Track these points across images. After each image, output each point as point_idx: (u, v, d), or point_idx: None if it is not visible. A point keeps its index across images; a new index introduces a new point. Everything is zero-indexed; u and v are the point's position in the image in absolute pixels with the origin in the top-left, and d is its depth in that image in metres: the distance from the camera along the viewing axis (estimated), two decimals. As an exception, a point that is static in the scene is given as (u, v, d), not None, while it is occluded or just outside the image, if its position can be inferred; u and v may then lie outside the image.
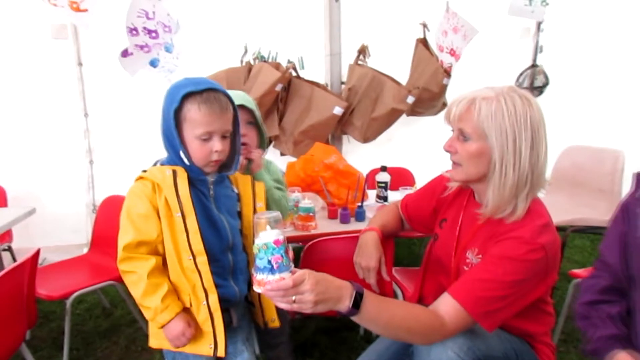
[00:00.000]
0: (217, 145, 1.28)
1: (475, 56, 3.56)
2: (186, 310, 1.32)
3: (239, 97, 1.49)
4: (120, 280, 2.32)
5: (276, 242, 1.01)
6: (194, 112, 1.26)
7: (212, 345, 1.32)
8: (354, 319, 1.11)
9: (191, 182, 1.32)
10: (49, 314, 2.72)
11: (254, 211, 1.42)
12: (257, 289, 1.04)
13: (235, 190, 1.45)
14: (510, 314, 1.21)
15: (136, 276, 1.28)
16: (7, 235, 2.90)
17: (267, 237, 1.02)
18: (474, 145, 1.22)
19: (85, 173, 3.51)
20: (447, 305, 1.18)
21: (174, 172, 1.30)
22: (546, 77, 3.97)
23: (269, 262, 1.01)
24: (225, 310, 1.37)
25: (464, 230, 1.38)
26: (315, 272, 1.06)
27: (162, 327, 1.29)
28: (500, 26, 3.73)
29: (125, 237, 1.30)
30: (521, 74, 3.99)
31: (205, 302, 1.31)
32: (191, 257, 1.28)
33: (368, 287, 1.47)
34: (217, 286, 1.33)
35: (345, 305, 1.08)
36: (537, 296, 1.23)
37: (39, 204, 2.63)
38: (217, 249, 1.34)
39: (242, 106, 1.49)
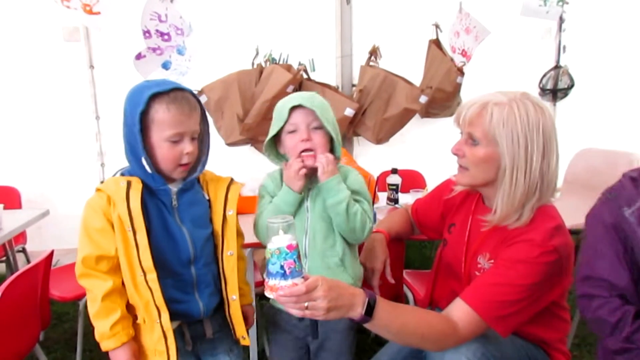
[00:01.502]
0: (188, 147, 1.22)
1: (496, 58, 3.53)
2: (135, 340, 1.27)
3: (300, 97, 1.37)
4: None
5: (289, 247, 1.00)
6: (162, 113, 1.19)
7: None
8: (367, 325, 1.11)
9: (152, 193, 1.26)
10: (62, 315, 2.74)
11: (224, 219, 1.31)
12: (268, 294, 1.03)
13: (207, 196, 1.35)
14: (524, 318, 1.19)
15: (91, 295, 1.24)
16: (21, 236, 2.94)
17: (280, 242, 1.00)
18: (483, 150, 1.21)
19: (96, 176, 3.54)
20: (460, 311, 1.17)
21: (129, 183, 1.22)
22: (571, 78, 3.86)
23: (282, 267, 0.99)
24: (189, 325, 1.35)
25: (473, 235, 1.36)
26: (328, 278, 1.05)
27: (107, 351, 1.25)
28: (521, 26, 3.68)
29: (83, 250, 1.23)
30: (544, 76, 3.89)
31: (158, 321, 1.25)
32: (142, 274, 1.21)
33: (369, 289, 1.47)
34: (177, 302, 1.28)
35: (357, 312, 1.07)
36: (552, 300, 1.22)
37: (51, 206, 2.66)
38: (176, 263, 1.27)
39: (300, 106, 1.36)
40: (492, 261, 1.27)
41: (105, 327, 1.23)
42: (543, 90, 3.89)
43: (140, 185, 1.23)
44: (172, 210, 1.28)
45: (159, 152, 1.22)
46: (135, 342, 1.28)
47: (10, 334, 1.58)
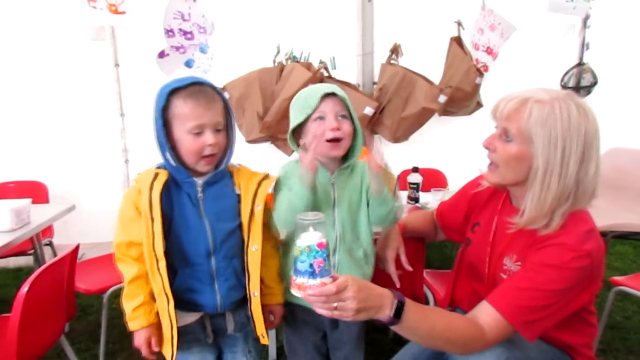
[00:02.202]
0: (210, 139, 1.25)
1: (516, 55, 3.47)
2: (156, 327, 1.32)
3: (327, 86, 1.39)
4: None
5: (320, 245, 0.98)
6: (180, 107, 1.24)
7: (171, 354, 1.31)
8: (394, 328, 1.09)
9: (178, 185, 1.30)
10: (86, 307, 2.80)
11: (251, 213, 1.33)
12: (296, 292, 1.01)
13: (237, 191, 1.37)
14: (552, 323, 1.16)
15: (123, 278, 1.33)
16: (48, 230, 3.01)
17: (310, 240, 0.98)
18: (516, 147, 1.16)
19: (120, 172, 3.61)
20: (486, 315, 1.15)
21: (156, 174, 1.28)
22: (594, 76, 3.76)
23: (311, 265, 0.98)
24: (211, 319, 1.38)
25: (499, 236, 1.32)
26: (357, 279, 1.04)
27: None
28: (543, 23, 3.61)
29: (116, 237, 1.33)
30: (566, 73, 3.80)
31: (167, 309, 1.28)
32: (156, 261, 1.26)
33: (387, 278, 1.46)
34: (193, 291, 1.31)
35: (386, 314, 1.06)
36: (580, 305, 1.18)
37: (77, 201, 2.71)
38: (193, 253, 1.30)
39: (333, 94, 1.37)
40: (519, 263, 1.23)
41: (129, 309, 1.30)
42: (565, 88, 3.81)
43: (165, 177, 1.28)
44: (196, 202, 1.31)
45: (182, 146, 1.26)
46: (157, 329, 1.32)
47: (38, 325, 1.62)
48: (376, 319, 1.07)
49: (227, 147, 1.34)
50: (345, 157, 1.44)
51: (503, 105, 1.18)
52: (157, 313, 1.31)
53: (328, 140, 1.35)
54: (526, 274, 1.16)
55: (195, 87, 1.25)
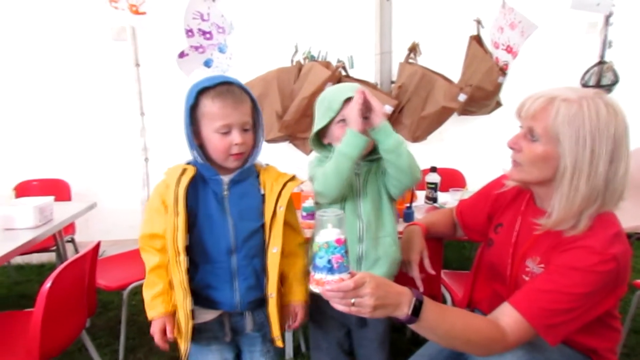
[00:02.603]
0: (237, 138, 1.27)
1: (536, 53, 3.42)
2: (173, 316, 1.32)
3: (349, 88, 1.41)
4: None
5: (338, 241, 0.99)
6: (209, 107, 1.26)
7: (185, 347, 1.32)
8: (412, 326, 1.09)
9: (205, 182, 1.32)
10: (107, 303, 2.85)
11: (273, 214, 1.34)
12: (314, 288, 1.02)
13: (262, 191, 1.38)
14: (575, 327, 1.13)
15: (145, 266, 1.35)
16: (70, 227, 3.07)
17: (328, 236, 0.99)
18: (541, 147, 1.14)
19: (140, 170, 3.65)
20: (508, 317, 1.13)
21: (184, 170, 1.31)
22: (615, 75, 3.67)
23: (329, 261, 0.99)
24: (230, 317, 1.39)
25: (522, 237, 1.30)
26: (375, 276, 1.04)
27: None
28: (564, 21, 3.55)
29: (142, 228, 1.38)
30: (587, 72, 3.72)
31: (183, 303, 1.29)
32: (176, 255, 1.28)
33: (410, 281, 1.46)
34: (213, 288, 1.32)
35: (404, 312, 1.05)
36: (605, 310, 1.16)
37: (98, 199, 2.76)
38: (215, 250, 1.31)
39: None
40: (542, 266, 1.21)
41: (147, 297, 1.32)
42: (585, 87, 3.74)
43: (192, 173, 1.30)
44: (221, 200, 1.32)
45: (210, 144, 1.29)
46: (173, 317, 1.33)
47: (60, 320, 1.65)
48: (394, 317, 1.07)
49: (254, 145, 1.36)
50: (370, 153, 1.47)
51: (529, 104, 1.15)
52: (175, 303, 1.32)
53: None
54: (550, 276, 1.14)
55: (223, 87, 1.27)
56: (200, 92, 1.27)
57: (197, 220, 1.30)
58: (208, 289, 1.33)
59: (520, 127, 1.21)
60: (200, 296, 1.33)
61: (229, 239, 1.31)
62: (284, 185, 1.36)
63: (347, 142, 1.34)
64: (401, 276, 1.50)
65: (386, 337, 1.55)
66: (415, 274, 1.47)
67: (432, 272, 1.50)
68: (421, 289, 1.44)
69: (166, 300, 1.31)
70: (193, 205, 1.30)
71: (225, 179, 1.33)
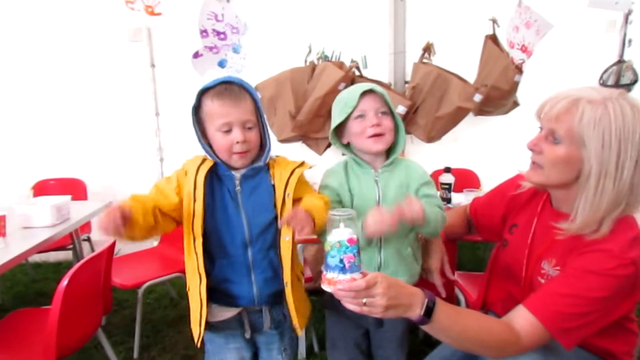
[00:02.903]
0: (238, 136, 1.28)
1: (554, 52, 3.37)
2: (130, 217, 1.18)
3: (366, 84, 1.42)
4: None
5: (350, 240, 0.99)
6: (209, 106, 1.29)
7: (199, 333, 1.32)
8: (425, 327, 1.08)
9: (219, 179, 1.35)
10: (122, 302, 2.88)
11: (283, 202, 1.33)
12: (326, 287, 1.02)
13: (272, 182, 1.38)
14: (591, 331, 1.12)
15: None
16: (86, 226, 3.11)
17: (340, 235, 0.99)
18: (564, 150, 1.11)
19: (155, 170, 3.69)
20: (523, 320, 1.12)
21: (203, 160, 1.35)
22: (635, 74, 3.60)
23: (341, 260, 0.99)
24: (249, 314, 1.39)
25: (537, 238, 1.28)
26: (387, 276, 1.04)
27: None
28: (582, 20, 3.50)
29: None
30: (605, 71, 3.67)
31: (198, 288, 1.30)
32: (193, 239, 1.30)
33: (431, 287, 1.45)
34: (230, 282, 1.34)
35: (416, 313, 1.05)
36: (622, 314, 1.14)
37: (113, 199, 2.79)
38: (231, 245, 1.33)
39: (372, 91, 1.39)
40: (558, 268, 1.19)
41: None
42: (604, 86, 3.68)
43: (210, 164, 1.33)
44: (234, 195, 1.34)
45: (214, 143, 1.32)
46: (130, 219, 1.18)
47: (76, 317, 1.67)
48: (407, 318, 1.06)
49: (263, 145, 1.37)
50: (388, 153, 1.45)
51: (551, 106, 1.13)
52: (144, 216, 1.23)
53: (369, 137, 1.36)
54: (567, 279, 1.12)
55: (222, 86, 1.30)
56: (202, 93, 1.30)
57: (212, 215, 1.32)
58: (226, 283, 1.34)
59: (540, 128, 1.19)
60: (218, 291, 1.34)
61: (243, 233, 1.32)
62: (292, 172, 1.36)
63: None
64: (420, 281, 1.49)
65: (405, 338, 1.54)
66: (437, 281, 1.46)
67: (453, 277, 1.50)
68: (443, 295, 1.43)
69: (140, 204, 1.24)
70: (209, 201, 1.32)
71: (237, 174, 1.35)
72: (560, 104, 1.11)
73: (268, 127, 1.38)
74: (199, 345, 1.34)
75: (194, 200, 1.29)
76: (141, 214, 1.21)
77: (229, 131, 1.29)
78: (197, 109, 1.33)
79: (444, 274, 1.50)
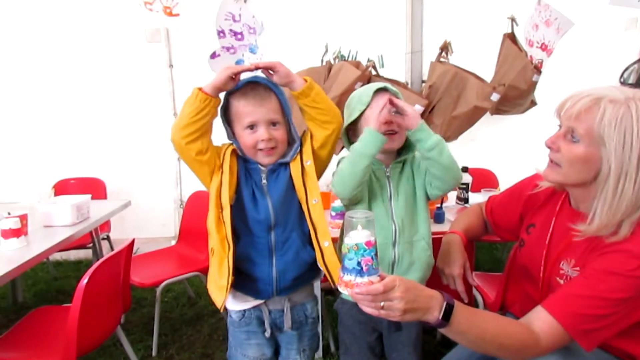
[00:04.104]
0: (262, 134, 1.32)
1: (573, 51, 3.32)
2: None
3: (379, 83, 1.43)
4: (204, 271, 2.45)
5: (368, 243, 0.98)
6: (236, 106, 1.34)
7: (222, 302, 1.33)
8: (443, 331, 1.07)
9: (248, 173, 1.38)
10: (140, 300, 2.91)
11: (302, 170, 1.37)
12: (343, 290, 1.01)
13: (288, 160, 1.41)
14: (611, 333, 1.10)
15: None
16: (106, 225, 3.16)
17: (358, 238, 0.98)
18: (583, 149, 1.09)
19: (173, 170, 3.73)
20: (542, 322, 1.10)
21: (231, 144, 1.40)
22: None
23: (359, 263, 0.98)
24: (270, 313, 1.42)
25: (556, 239, 1.26)
26: (405, 279, 1.03)
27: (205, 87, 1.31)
28: (601, 17, 3.44)
29: None
30: (626, 69, 3.60)
31: (226, 256, 1.32)
32: (221, 209, 1.33)
33: (451, 292, 1.43)
34: (252, 262, 1.36)
35: (434, 316, 1.03)
36: None
37: (132, 198, 2.83)
38: (255, 223, 1.35)
39: (385, 89, 1.41)
40: (577, 268, 1.17)
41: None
42: (624, 85, 3.61)
43: (234, 148, 1.38)
44: (260, 187, 1.37)
45: (241, 141, 1.36)
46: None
47: (96, 315, 1.70)
48: (424, 321, 1.05)
49: (290, 142, 1.40)
50: (399, 152, 1.46)
51: (571, 104, 1.11)
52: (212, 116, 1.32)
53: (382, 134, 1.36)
54: (586, 280, 1.10)
55: (247, 86, 1.33)
56: (230, 94, 1.35)
57: (240, 193, 1.36)
58: (247, 263, 1.36)
59: (559, 126, 1.17)
60: (240, 272, 1.35)
61: (269, 217, 1.35)
62: (301, 141, 1.40)
63: (365, 140, 1.34)
64: (435, 282, 1.47)
65: (419, 341, 1.53)
66: (460, 287, 1.43)
67: (475, 283, 1.47)
68: (466, 301, 1.41)
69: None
70: (238, 179, 1.37)
71: (264, 168, 1.38)
72: (581, 102, 1.09)
73: (293, 126, 1.41)
74: (222, 309, 1.36)
75: (222, 172, 1.34)
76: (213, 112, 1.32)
77: (254, 130, 1.33)
78: (225, 110, 1.37)
79: (466, 280, 1.48)
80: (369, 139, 1.33)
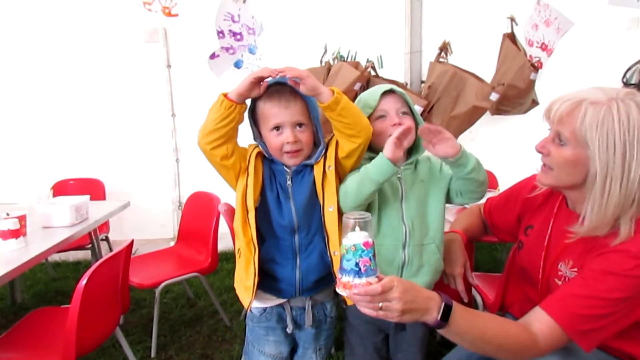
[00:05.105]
0: (288, 136, 1.33)
1: (575, 51, 3.33)
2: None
3: (386, 85, 1.43)
4: (203, 272, 2.45)
5: (366, 244, 0.98)
6: (262, 108, 1.36)
7: (249, 302, 1.35)
8: (441, 332, 1.07)
9: (272, 174, 1.39)
10: (139, 301, 2.91)
11: (323, 174, 1.37)
12: (341, 291, 1.02)
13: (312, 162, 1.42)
14: (610, 333, 1.10)
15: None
16: (105, 226, 3.15)
17: (356, 239, 0.99)
18: (570, 151, 1.10)
19: (172, 171, 3.72)
20: (540, 322, 1.10)
21: (257, 146, 1.42)
22: None
23: (357, 264, 0.98)
24: (292, 310, 1.43)
25: (554, 240, 1.27)
26: (403, 280, 1.03)
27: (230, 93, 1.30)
28: (603, 17, 3.44)
29: None
30: (628, 69, 3.60)
31: (253, 258, 1.33)
32: (246, 212, 1.35)
33: (451, 292, 1.43)
34: (276, 263, 1.37)
35: (432, 317, 1.04)
36: None
37: (130, 199, 2.82)
38: (280, 230, 1.37)
39: (392, 92, 1.40)
40: (575, 269, 1.18)
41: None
42: (627, 85, 3.61)
43: (259, 150, 1.41)
44: (285, 189, 1.38)
45: (268, 143, 1.38)
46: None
47: (95, 316, 1.69)
48: (423, 322, 1.05)
49: (317, 142, 1.40)
50: (409, 152, 1.45)
51: (556, 108, 1.12)
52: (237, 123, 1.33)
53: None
54: (584, 281, 1.11)
55: (273, 88, 1.34)
56: (257, 97, 1.35)
57: (265, 196, 1.37)
58: (271, 263, 1.38)
59: (549, 130, 1.17)
60: (264, 273, 1.37)
61: (292, 220, 1.36)
62: (327, 145, 1.39)
63: (377, 167, 1.30)
64: (440, 285, 1.48)
65: (425, 341, 1.54)
66: (460, 287, 1.44)
67: (475, 282, 1.49)
68: (466, 300, 1.41)
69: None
70: (264, 182, 1.38)
71: (289, 170, 1.40)
72: (563, 106, 1.10)
73: (320, 128, 1.41)
74: (248, 310, 1.40)
75: (247, 175, 1.36)
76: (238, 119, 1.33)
77: (280, 131, 1.34)
78: (253, 111, 1.38)
79: (466, 279, 1.48)
80: (382, 167, 1.28)
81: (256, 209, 1.35)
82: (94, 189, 3.24)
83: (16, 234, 1.90)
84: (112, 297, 1.85)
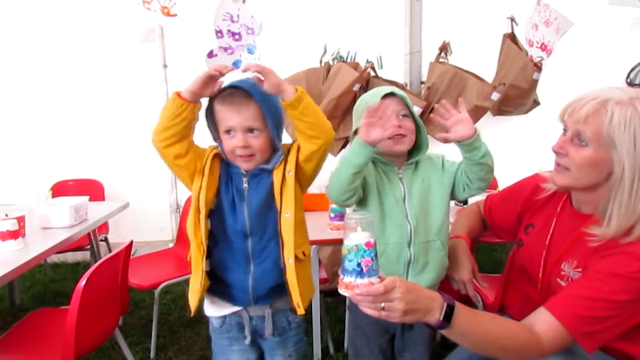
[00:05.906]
0: (239, 141, 1.29)
1: (577, 51, 3.32)
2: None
3: (386, 87, 1.43)
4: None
5: (367, 244, 0.98)
6: (217, 111, 1.33)
7: (195, 305, 1.34)
8: (444, 332, 1.06)
9: (229, 176, 1.36)
10: (139, 302, 2.90)
11: (283, 179, 1.34)
12: (343, 292, 1.01)
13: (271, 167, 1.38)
14: (614, 335, 1.09)
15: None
16: (104, 227, 3.15)
17: (358, 239, 0.98)
18: (591, 152, 1.09)
19: (169, 172, 3.71)
20: (544, 323, 1.09)
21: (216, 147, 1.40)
22: None
23: (359, 264, 0.98)
24: (250, 320, 1.40)
25: (556, 240, 1.26)
26: (405, 280, 1.02)
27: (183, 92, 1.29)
28: (605, 17, 3.43)
29: None
30: (632, 70, 3.60)
31: (201, 260, 1.31)
32: (198, 212, 1.31)
33: (454, 293, 1.42)
34: (228, 268, 1.35)
35: (435, 317, 1.03)
36: None
37: (130, 200, 2.82)
38: (232, 230, 1.34)
39: (392, 94, 1.41)
40: (579, 270, 1.17)
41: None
42: (631, 85, 3.61)
43: (218, 152, 1.37)
44: (241, 191, 1.35)
45: (222, 145, 1.35)
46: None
47: (94, 317, 1.69)
48: (425, 322, 1.05)
49: (274, 149, 1.36)
50: (410, 153, 1.47)
51: (578, 107, 1.11)
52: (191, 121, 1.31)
53: (390, 137, 1.37)
54: (589, 282, 1.10)
55: (227, 91, 1.31)
56: (214, 97, 1.33)
57: (219, 197, 1.35)
58: (223, 269, 1.35)
59: (564, 130, 1.16)
60: (215, 278, 1.35)
61: (244, 224, 1.33)
62: (289, 150, 1.36)
63: (353, 150, 1.33)
64: (446, 287, 1.47)
65: (431, 341, 1.54)
66: (472, 292, 1.44)
67: (485, 285, 1.48)
68: (479, 305, 1.41)
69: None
70: (218, 183, 1.35)
71: (246, 172, 1.36)
72: (588, 106, 1.09)
73: (280, 131, 1.37)
74: (193, 314, 1.37)
75: (203, 175, 1.33)
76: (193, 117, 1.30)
77: (232, 135, 1.31)
78: (211, 112, 1.35)
79: (475, 283, 1.48)
80: (356, 149, 1.32)
81: (211, 211, 1.33)
82: (93, 189, 3.24)
83: (15, 234, 1.89)
84: (111, 298, 1.84)
